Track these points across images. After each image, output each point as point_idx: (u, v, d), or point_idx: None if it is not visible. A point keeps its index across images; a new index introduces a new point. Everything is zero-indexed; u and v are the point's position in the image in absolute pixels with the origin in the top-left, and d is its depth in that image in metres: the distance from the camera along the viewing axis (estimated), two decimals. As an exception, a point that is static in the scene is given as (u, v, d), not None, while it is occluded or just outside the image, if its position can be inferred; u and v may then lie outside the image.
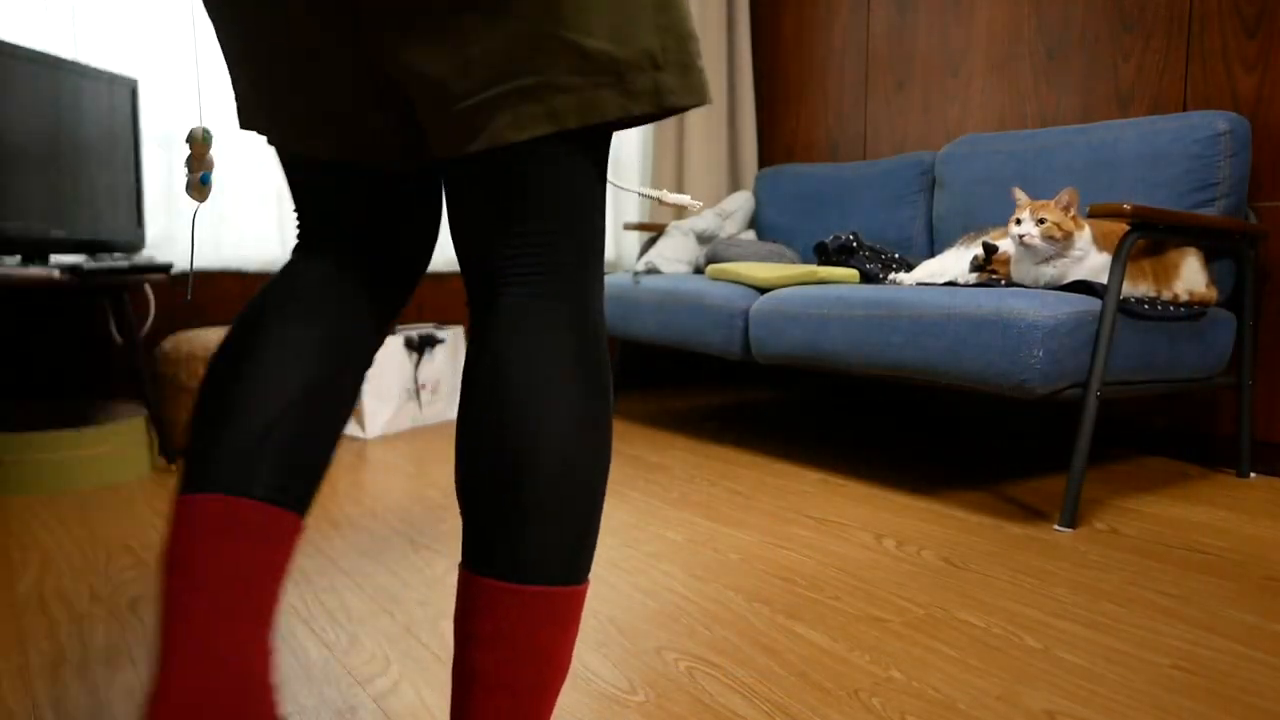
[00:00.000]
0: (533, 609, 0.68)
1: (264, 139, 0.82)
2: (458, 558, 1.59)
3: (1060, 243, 1.88)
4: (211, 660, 0.63)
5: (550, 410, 0.67)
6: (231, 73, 0.79)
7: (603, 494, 0.71)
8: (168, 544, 0.67)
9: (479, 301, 0.72)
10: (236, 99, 0.80)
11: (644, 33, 0.64)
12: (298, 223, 0.82)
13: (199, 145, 1.24)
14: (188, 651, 0.62)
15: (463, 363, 2.93)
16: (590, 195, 0.70)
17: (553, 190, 0.68)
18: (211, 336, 2.33)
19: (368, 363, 0.80)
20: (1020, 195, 1.98)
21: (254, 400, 0.71)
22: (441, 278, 3.08)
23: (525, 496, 0.67)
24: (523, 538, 0.67)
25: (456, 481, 0.71)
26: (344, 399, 0.77)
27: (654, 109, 0.66)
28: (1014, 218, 1.93)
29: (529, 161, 0.67)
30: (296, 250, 0.82)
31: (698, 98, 0.68)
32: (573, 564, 0.69)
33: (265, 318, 0.75)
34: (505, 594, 0.67)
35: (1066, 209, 1.88)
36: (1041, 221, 1.88)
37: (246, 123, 0.80)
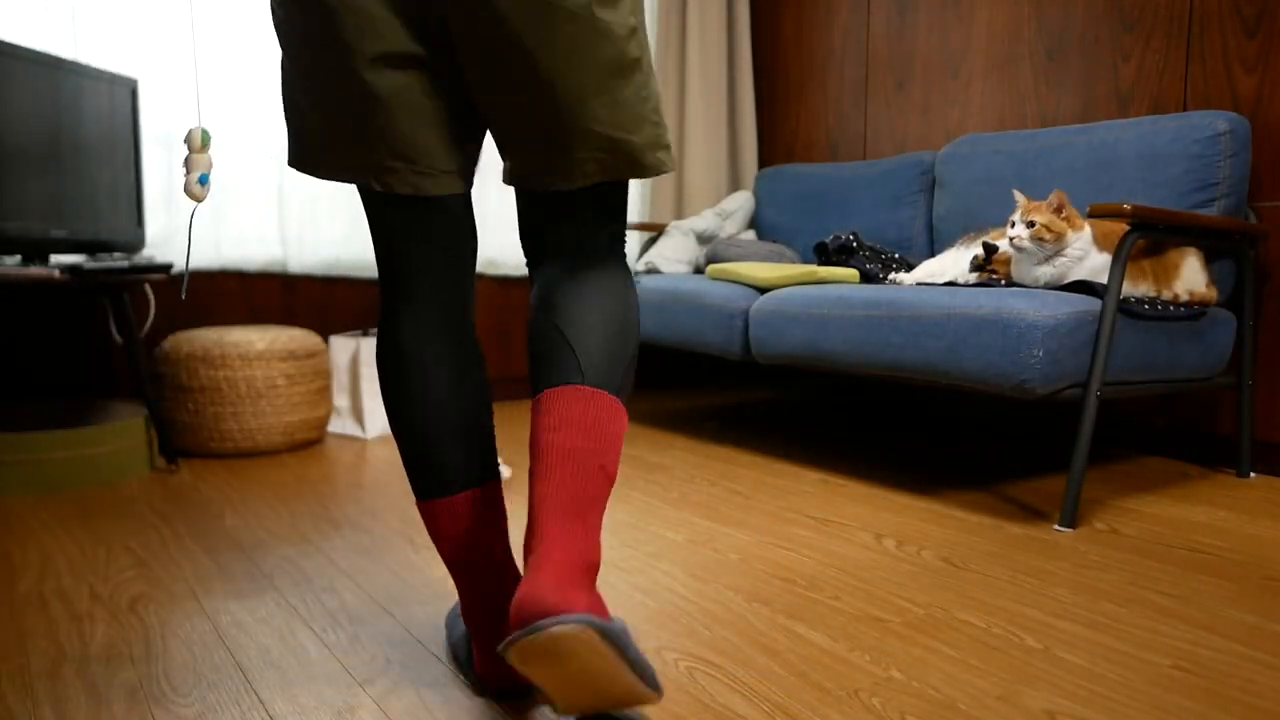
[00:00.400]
0: (594, 401, 0.99)
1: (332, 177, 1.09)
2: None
3: (1051, 244, 1.88)
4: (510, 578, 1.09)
5: (594, 300, 1.05)
6: (322, 121, 1.02)
7: (634, 359, 1.07)
8: (443, 529, 1.08)
9: (541, 267, 1.11)
10: (317, 148, 1.04)
11: (649, 127, 1.04)
12: (388, 262, 1.10)
13: (197, 146, 1.24)
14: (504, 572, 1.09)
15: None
16: (617, 209, 1.12)
17: (595, 207, 1.09)
18: (211, 336, 2.33)
19: (479, 360, 1.14)
20: (1019, 197, 1.98)
21: (450, 428, 1.08)
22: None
23: (583, 343, 1.02)
24: (585, 364, 1.00)
25: (531, 354, 1.05)
26: (483, 394, 1.12)
27: (655, 173, 1.07)
28: (1010, 219, 1.93)
29: (584, 193, 1.08)
30: (393, 291, 1.10)
31: (671, 167, 1.10)
32: (619, 386, 1.03)
33: (414, 363, 1.08)
34: (576, 391, 0.99)
35: (1058, 210, 1.88)
36: (1031, 224, 1.88)
37: (329, 171, 1.05)
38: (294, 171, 2.72)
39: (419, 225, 1.07)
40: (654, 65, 3.33)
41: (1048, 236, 1.87)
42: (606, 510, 1.87)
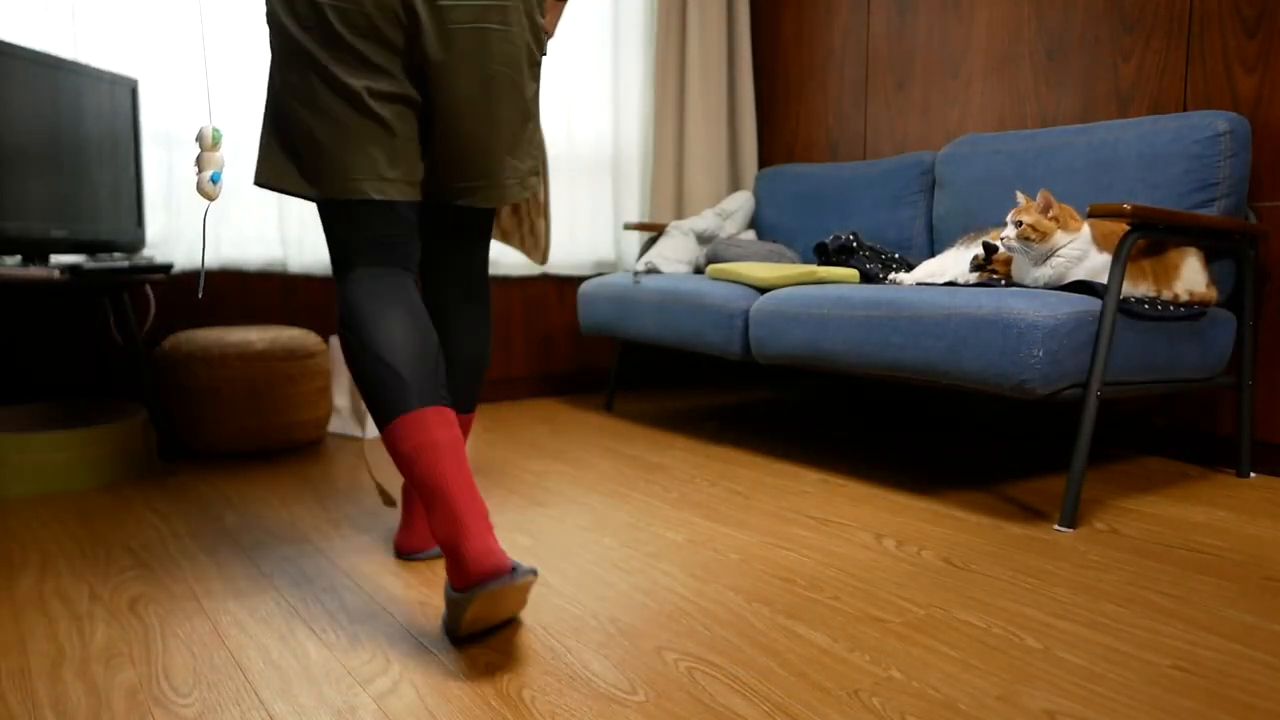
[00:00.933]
0: (462, 421, 1.53)
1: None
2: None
3: (1037, 244, 1.91)
4: (472, 486, 1.23)
5: (469, 349, 1.54)
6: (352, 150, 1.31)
7: (484, 369, 1.57)
8: (421, 438, 1.23)
9: (433, 282, 1.54)
10: (351, 172, 1.31)
11: (530, 160, 1.44)
12: (374, 246, 1.36)
13: (209, 144, 1.24)
14: (464, 487, 1.21)
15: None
16: (488, 237, 1.57)
17: (486, 228, 1.54)
18: (211, 336, 2.33)
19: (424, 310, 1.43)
20: (1021, 198, 1.98)
21: (417, 353, 1.29)
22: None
23: (459, 379, 1.52)
24: (459, 396, 1.54)
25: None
26: (439, 349, 1.34)
27: (532, 193, 1.46)
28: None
29: (483, 213, 1.52)
30: (373, 263, 1.36)
31: (537, 189, 1.48)
32: (472, 402, 1.56)
33: (393, 307, 1.32)
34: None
35: (1045, 210, 1.90)
36: (1019, 224, 1.91)
37: (348, 191, 1.32)
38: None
39: (382, 222, 1.35)
40: (654, 65, 3.36)
41: (1033, 236, 1.89)
42: (607, 510, 1.88)
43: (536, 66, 1.41)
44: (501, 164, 1.39)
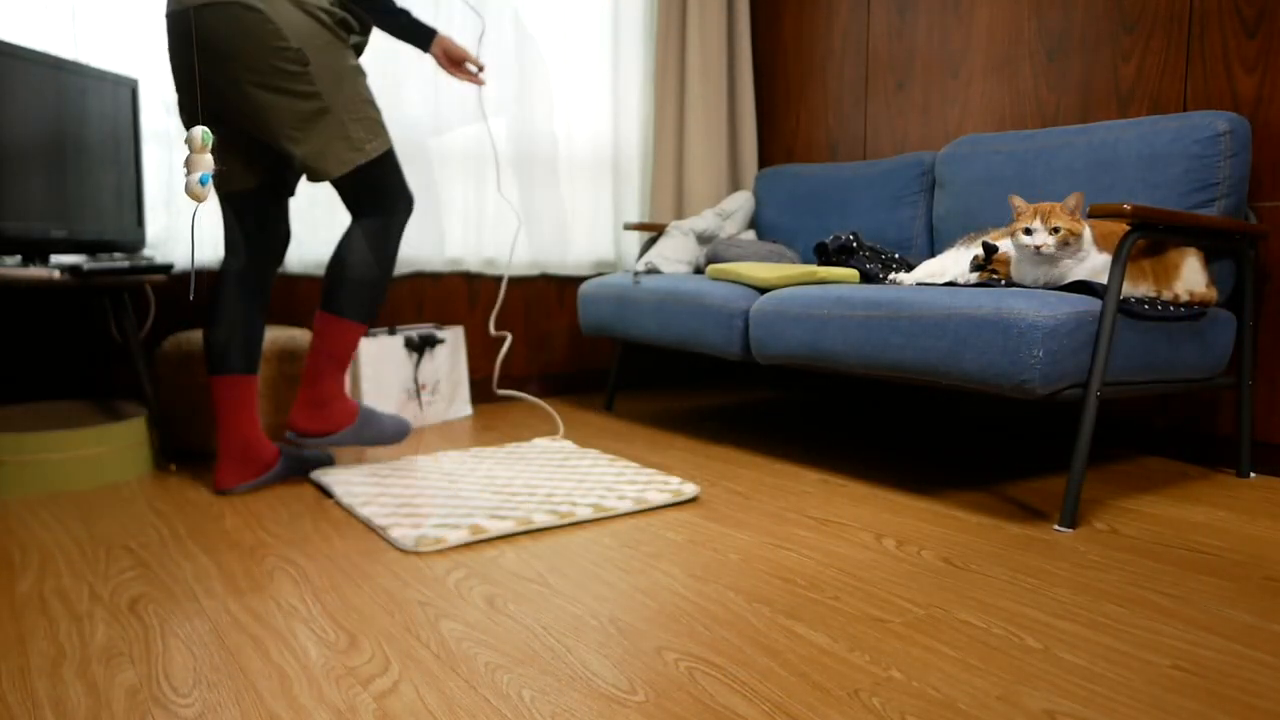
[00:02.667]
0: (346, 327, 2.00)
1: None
2: (457, 557, 1.59)
3: (1074, 247, 1.89)
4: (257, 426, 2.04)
5: (348, 257, 1.98)
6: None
7: (382, 292, 2.03)
8: (224, 395, 1.97)
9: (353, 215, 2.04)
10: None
11: (339, 143, 1.90)
12: (230, 230, 2.02)
13: (198, 146, 1.24)
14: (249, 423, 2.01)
15: (463, 362, 2.93)
16: (371, 183, 1.96)
17: (352, 183, 1.96)
18: (211, 336, 2.33)
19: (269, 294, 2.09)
20: (1019, 202, 1.97)
21: (234, 327, 1.99)
22: (439, 277, 3.08)
23: (337, 288, 1.99)
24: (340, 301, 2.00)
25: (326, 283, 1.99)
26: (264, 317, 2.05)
27: (349, 168, 1.91)
28: (1020, 226, 1.91)
29: (345, 177, 1.96)
30: (231, 246, 2.02)
31: (362, 159, 1.92)
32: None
33: (230, 291, 2.00)
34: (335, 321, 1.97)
35: (1073, 212, 1.89)
36: (1055, 230, 1.87)
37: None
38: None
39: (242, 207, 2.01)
40: (654, 65, 3.36)
41: (1071, 241, 1.87)
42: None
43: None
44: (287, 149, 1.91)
